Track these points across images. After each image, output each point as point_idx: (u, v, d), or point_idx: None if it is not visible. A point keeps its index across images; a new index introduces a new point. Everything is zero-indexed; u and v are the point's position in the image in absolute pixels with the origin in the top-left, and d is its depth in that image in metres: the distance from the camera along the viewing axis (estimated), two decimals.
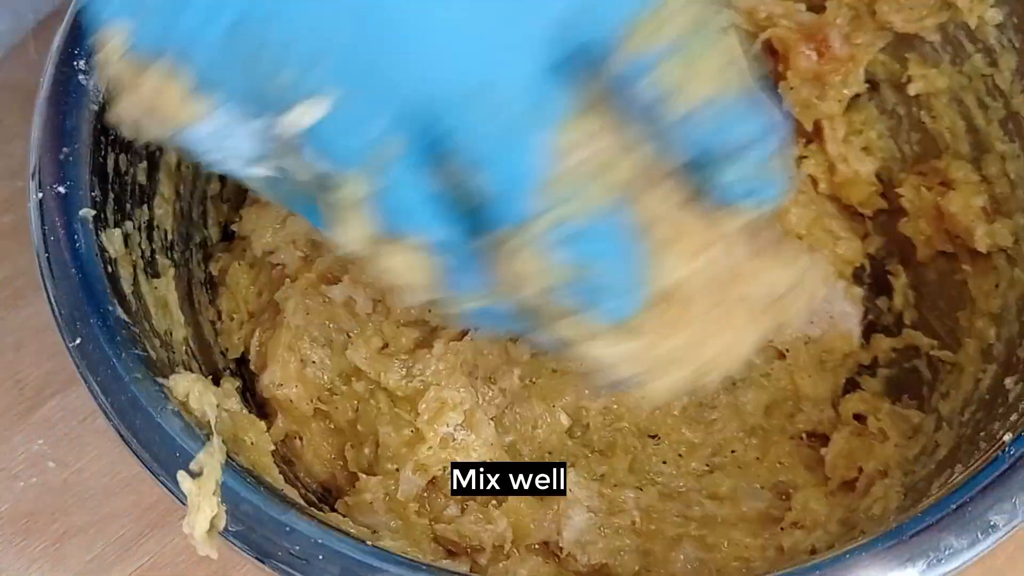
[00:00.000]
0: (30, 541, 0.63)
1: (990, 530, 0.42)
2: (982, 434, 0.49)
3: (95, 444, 0.65)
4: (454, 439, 0.55)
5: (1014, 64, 0.57)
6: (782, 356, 0.63)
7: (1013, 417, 0.47)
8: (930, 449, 0.55)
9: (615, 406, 0.60)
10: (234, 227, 0.62)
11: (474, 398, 0.56)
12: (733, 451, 0.61)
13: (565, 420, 0.59)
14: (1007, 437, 0.44)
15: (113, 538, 0.63)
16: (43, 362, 0.67)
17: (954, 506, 0.42)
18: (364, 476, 0.56)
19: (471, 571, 0.54)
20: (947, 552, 0.41)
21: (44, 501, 0.64)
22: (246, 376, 0.60)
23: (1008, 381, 0.51)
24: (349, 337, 0.57)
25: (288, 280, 0.58)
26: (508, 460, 0.57)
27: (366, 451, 0.57)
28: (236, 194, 0.64)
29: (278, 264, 0.60)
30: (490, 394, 0.58)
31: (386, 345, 0.57)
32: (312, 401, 0.58)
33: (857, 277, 0.66)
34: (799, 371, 0.63)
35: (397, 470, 0.55)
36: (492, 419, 0.57)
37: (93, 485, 0.64)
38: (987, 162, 0.59)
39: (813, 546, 0.54)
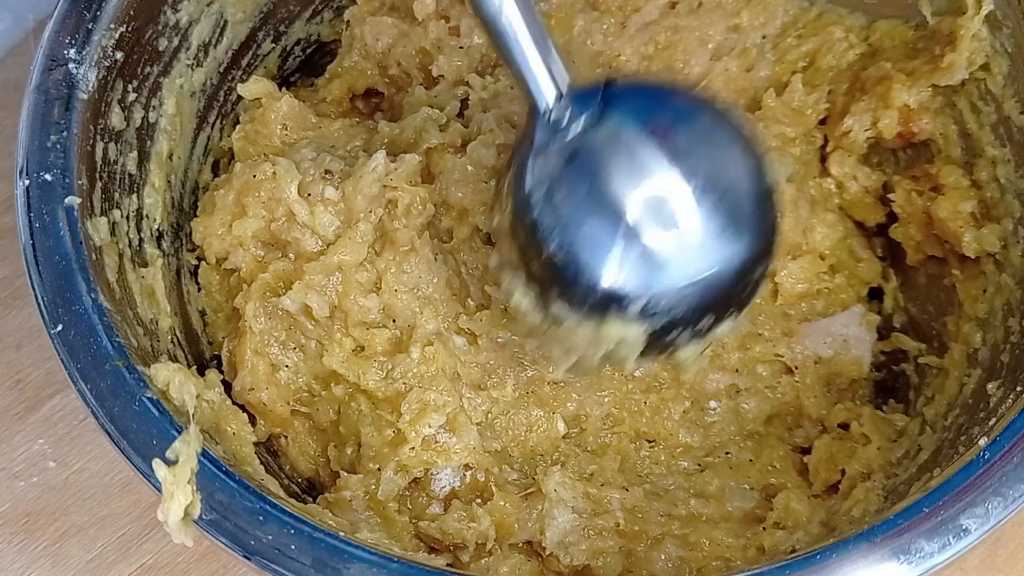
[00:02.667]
0: (30, 541, 0.63)
1: (962, 534, 0.41)
2: (962, 438, 0.49)
3: (95, 444, 0.65)
4: (436, 441, 0.55)
5: (1006, 68, 0.57)
6: (790, 372, 0.62)
7: (992, 422, 0.47)
8: (913, 452, 0.54)
9: (616, 411, 0.60)
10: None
11: (458, 402, 0.56)
12: (727, 452, 0.61)
13: (562, 427, 0.59)
14: (983, 442, 0.44)
15: (113, 538, 0.64)
16: (43, 362, 0.68)
17: (927, 509, 0.42)
18: (345, 474, 0.55)
19: (450, 566, 0.54)
20: (918, 555, 0.41)
21: (44, 501, 0.64)
22: None
23: (991, 386, 0.51)
24: (321, 344, 0.56)
25: (245, 285, 0.58)
26: (492, 462, 0.57)
27: (348, 451, 0.57)
28: None
29: (235, 270, 0.59)
30: (477, 400, 0.57)
31: (361, 348, 0.56)
32: (289, 403, 0.57)
33: None
34: (805, 390, 0.62)
35: (379, 469, 0.55)
36: (479, 424, 0.57)
37: (93, 485, 0.65)
38: (978, 167, 0.59)
39: (793, 547, 0.53)
